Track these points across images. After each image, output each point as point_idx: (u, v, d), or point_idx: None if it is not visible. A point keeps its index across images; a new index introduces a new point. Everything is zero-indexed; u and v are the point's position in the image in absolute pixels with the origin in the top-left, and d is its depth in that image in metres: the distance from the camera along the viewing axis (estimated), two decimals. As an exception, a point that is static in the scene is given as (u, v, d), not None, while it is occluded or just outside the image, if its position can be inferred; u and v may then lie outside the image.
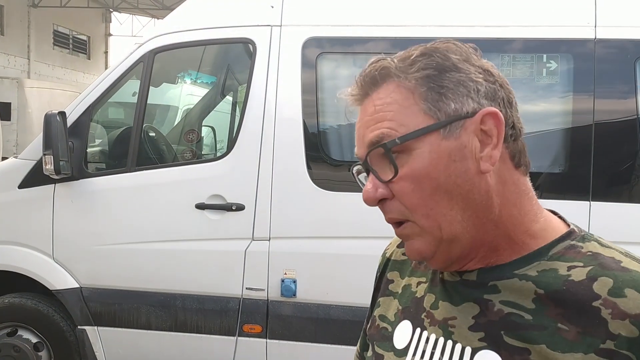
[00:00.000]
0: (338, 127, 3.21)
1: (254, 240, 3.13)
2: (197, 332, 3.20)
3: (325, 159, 3.12)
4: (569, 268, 0.71)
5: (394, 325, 0.85)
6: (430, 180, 0.72)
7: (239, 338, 3.16)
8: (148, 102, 3.37)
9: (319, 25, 3.14)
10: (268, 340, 3.14)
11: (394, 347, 0.83)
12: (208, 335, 3.19)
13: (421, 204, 0.73)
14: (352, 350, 3.71)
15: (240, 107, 3.34)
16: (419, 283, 0.86)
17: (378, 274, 0.97)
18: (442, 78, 0.74)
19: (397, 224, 0.77)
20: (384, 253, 0.97)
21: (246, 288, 3.15)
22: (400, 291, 0.88)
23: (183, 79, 4.89)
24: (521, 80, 2.93)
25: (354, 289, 3.03)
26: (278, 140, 3.10)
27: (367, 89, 0.77)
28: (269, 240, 3.11)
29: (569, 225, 0.78)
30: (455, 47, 0.76)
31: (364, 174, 0.80)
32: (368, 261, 3.09)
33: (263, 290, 3.13)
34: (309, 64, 3.12)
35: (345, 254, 3.06)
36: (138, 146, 3.27)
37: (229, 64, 3.65)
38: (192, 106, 4.55)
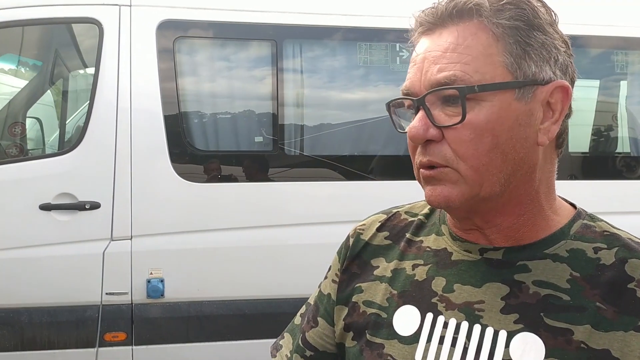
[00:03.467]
0: (202, 116, 3.07)
1: (112, 240, 2.86)
2: (49, 349, 2.84)
3: (190, 150, 2.97)
4: (595, 250, 0.72)
5: (390, 310, 0.80)
6: (492, 137, 0.69)
7: (100, 349, 2.88)
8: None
9: (174, 7, 2.95)
10: (134, 347, 2.90)
11: (397, 334, 0.78)
12: (63, 350, 2.85)
13: (475, 155, 0.70)
14: (228, 346, 3.56)
15: (85, 95, 3.02)
16: (415, 266, 0.81)
17: (347, 255, 0.88)
18: (529, 35, 0.70)
19: (429, 167, 0.72)
20: (357, 235, 0.89)
21: (106, 293, 2.87)
22: (390, 275, 0.82)
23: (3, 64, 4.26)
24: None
25: (227, 282, 2.95)
26: (136, 132, 2.86)
27: (446, 20, 0.72)
28: (130, 239, 2.87)
29: (573, 205, 0.80)
30: (543, 8, 0.72)
31: (402, 109, 0.74)
32: (239, 253, 3.01)
33: (126, 293, 2.88)
34: (165, 49, 2.93)
35: (215, 247, 2.95)
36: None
37: (73, 46, 3.25)
38: (13, 95, 3.99)
